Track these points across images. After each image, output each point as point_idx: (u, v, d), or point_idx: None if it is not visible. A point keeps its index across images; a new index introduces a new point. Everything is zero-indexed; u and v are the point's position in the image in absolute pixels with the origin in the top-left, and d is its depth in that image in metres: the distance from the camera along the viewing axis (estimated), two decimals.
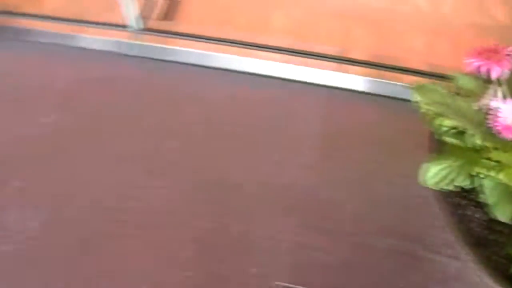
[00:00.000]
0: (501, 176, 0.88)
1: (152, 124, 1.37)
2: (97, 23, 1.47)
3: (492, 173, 0.88)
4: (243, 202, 1.24)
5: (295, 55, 1.41)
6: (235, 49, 1.44)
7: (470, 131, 0.93)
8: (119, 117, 1.39)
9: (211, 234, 1.19)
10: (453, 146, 0.97)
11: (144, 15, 1.45)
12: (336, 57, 1.39)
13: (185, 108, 1.40)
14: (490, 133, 0.90)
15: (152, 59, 1.48)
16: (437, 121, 0.96)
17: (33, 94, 1.41)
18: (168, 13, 1.52)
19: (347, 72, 1.37)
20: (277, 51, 1.42)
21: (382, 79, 1.36)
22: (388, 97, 1.39)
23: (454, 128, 0.97)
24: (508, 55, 0.95)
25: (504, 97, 0.94)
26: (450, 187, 0.91)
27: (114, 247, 1.19)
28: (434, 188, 0.92)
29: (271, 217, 1.21)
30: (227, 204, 1.24)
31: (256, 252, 1.15)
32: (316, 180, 1.26)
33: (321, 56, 1.40)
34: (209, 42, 1.45)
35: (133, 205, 1.24)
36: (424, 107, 0.97)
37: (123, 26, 1.46)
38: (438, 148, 1.00)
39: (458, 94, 1.02)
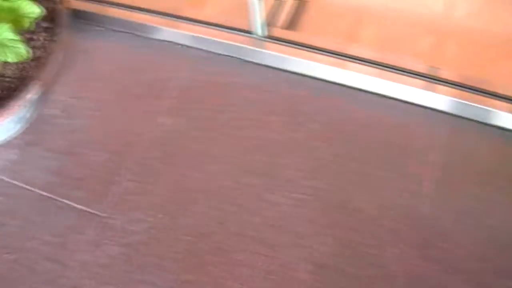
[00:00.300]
0: None
1: (269, 137, 1.33)
2: (221, 26, 1.44)
3: None
4: (364, 227, 1.19)
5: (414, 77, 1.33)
6: (362, 67, 1.38)
7: None
8: (234, 125, 1.36)
9: (329, 257, 1.16)
10: None
11: (268, 23, 1.42)
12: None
13: (304, 123, 1.35)
14: None
15: (273, 68, 1.44)
16: None
17: (152, 92, 1.41)
18: (292, 22, 1.47)
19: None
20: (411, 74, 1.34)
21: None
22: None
23: None
24: None
25: None
26: None
27: (227, 260, 1.18)
28: None
29: (390, 243, 1.17)
30: (347, 227, 1.18)
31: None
32: (433, 210, 1.19)
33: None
34: (334, 57, 1.39)
35: (251, 219, 1.23)
36: None
37: (248, 32, 1.42)
38: None
39: None
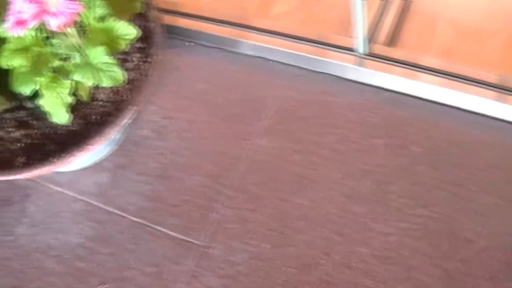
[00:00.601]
0: None
1: (373, 162, 1.24)
2: (318, 43, 1.36)
3: None
4: (474, 259, 1.12)
5: None
6: (472, 88, 1.28)
7: None
8: (336, 148, 1.30)
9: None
10: None
11: (369, 39, 1.33)
12: None
13: (407, 146, 1.26)
14: None
15: (373, 86, 1.35)
16: None
17: (247, 112, 1.34)
18: (393, 38, 1.38)
19: None
20: None
21: None
22: None
23: None
24: None
25: None
26: None
27: None
28: None
29: (505, 278, 1.10)
30: (457, 258, 1.11)
31: None
32: None
33: None
34: (438, 75, 1.29)
35: (357, 249, 1.16)
36: None
37: (347, 49, 1.34)
38: None
39: None
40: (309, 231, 1.17)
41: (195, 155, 1.28)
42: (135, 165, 1.28)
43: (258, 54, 1.40)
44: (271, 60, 1.39)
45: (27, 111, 1.19)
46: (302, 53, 1.36)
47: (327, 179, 1.22)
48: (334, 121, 1.29)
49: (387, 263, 1.12)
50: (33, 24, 1.02)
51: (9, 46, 1.15)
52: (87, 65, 1.09)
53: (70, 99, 1.11)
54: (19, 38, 1.14)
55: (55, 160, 1.10)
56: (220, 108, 1.33)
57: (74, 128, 1.14)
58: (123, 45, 1.11)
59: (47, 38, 1.10)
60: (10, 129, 1.17)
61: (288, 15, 1.46)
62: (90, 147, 1.10)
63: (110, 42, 1.13)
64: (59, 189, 1.29)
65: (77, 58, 1.09)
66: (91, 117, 1.15)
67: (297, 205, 1.20)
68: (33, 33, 1.11)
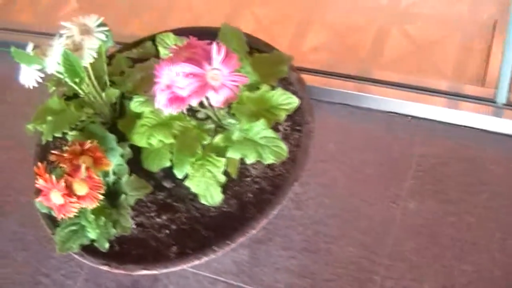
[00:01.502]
0: None
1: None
2: (456, 95, 1.18)
3: None
4: None
5: None
6: None
7: None
8: (489, 206, 1.14)
9: None
10: None
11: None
12: None
13: None
14: None
15: None
16: None
17: (386, 173, 1.19)
18: None
19: None
20: None
21: None
22: None
23: None
24: None
25: None
26: None
27: None
28: None
29: None
30: None
31: None
32: None
33: None
34: None
35: None
36: None
37: (487, 100, 1.17)
38: None
39: None
40: None
41: (341, 223, 1.09)
42: (275, 239, 1.10)
43: (386, 109, 1.23)
44: (402, 114, 1.21)
45: (167, 192, 1.00)
46: (436, 106, 1.18)
47: (487, 240, 1.04)
48: (481, 177, 1.13)
49: None
50: (193, 101, 0.83)
51: (145, 121, 0.96)
52: (247, 141, 0.90)
53: (223, 178, 0.92)
54: (154, 112, 0.95)
55: (215, 248, 0.90)
56: (357, 170, 1.15)
57: (227, 210, 0.95)
58: (282, 116, 0.94)
59: (188, 110, 0.96)
60: (151, 214, 0.98)
61: (401, 62, 1.28)
62: (252, 230, 0.91)
63: (265, 112, 0.95)
64: (193, 270, 1.09)
65: (235, 133, 0.90)
66: (244, 196, 0.97)
67: (461, 271, 1.01)
68: None
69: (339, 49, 1.39)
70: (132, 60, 1.15)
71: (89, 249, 0.99)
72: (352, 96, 1.28)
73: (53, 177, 0.91)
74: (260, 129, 0.94)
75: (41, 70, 1.02)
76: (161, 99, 0.90)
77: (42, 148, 1.14)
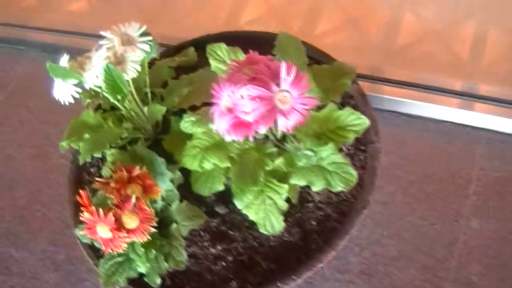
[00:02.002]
0: None
1: None
2: None
3: None
4: None
5: None
6: None
7: None
8: None
9: None
10: None
11: None
12: None
13: None
14: None
15: None
16: None
17: (447, 189, 1.06)
18: None
19: None
20: None
21: None
22: None
23: None
24: None
25: None
26: None
27: None
28: None
29: None
30: None
31: None
32: None
33: None
34: None
35: None
36: None
37: None
38: None
39: None
40: None
41: (400, 244, 0.99)
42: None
43: (442, 118, 1.10)
44: (460, 124, 1.09)
45: (220, 218, 0.89)
46: (497, 116, 1.06)
47: None
48: None
49: None
50: (261, 129, 0.71)
51: (197, 143, 0.84)
52: (313, 167, 0.79)
53: (285, 206, 0.81)
54: (207, 132, 0.83)
55: (279, 283, 0.79)
56: (415, 185, 1.05)
57: (288, 239, 0.84)
58: (351, 138, 0.82)
59: None
60: (205, 244, 0.87)
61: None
62: (319, 264, 0.80)
63: (330, 134, 0.83)
64: None
65: (300, 159, 0.78)
66: (307, 224, 0.86)
67: None
68: None
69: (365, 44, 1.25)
70: (173, 69, 1.02)
71: (137, 283, 0.87)
72: (403, 104, 1.16)
73: (100, 210, 0.79)
74: (328, 154, 0.82)
75: (77, 85, 0.89)
76: (222, 125, 0.77)
77: (77, 167, 1.02)
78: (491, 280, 1.00)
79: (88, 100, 1.00)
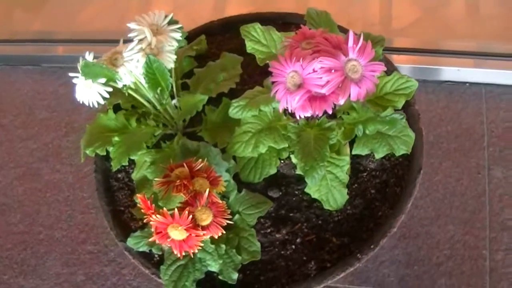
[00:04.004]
0: None
1: None
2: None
3: None
4: None
5: None
6: None
7: None
8: None
9: None
10: None
11: None
12: None
13: None
14: None
15: None
16: None
17: (465, 143, 1.14)
18: None
19: None
20: None
21: None
22: None
23: None
24: None
25: None
26: None
27: None
28: None
29: None
30: None
31: None
32: None
33: None
34: None
35: None
36: None
37: None
38: None
39: None
40: None
41: (434, 204, 1.03)
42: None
43: (442, 78, 1.15)
44: (459, 82, 1.15)
45: (276, 203, 0.87)
46: (496, 70, 1.12)
47: None
48: None
49: None
50: (340, 100, 0.71)
51: (247, 127, 0.82)
52: (376, 134, 0.80)
53: (347, 178, 0.81)
54: (258, 116, 0.82)
55: (359, 255, 0.79)
56: (435, 145, 1.08)
57: (352, 211, 0.84)
58: (402, 101, 0.83)
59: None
60: (268, 231, 0.85)
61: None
62: (392, 229, 0.81)
63: (380, 100, 0.84)
64: None
65: (358, 127, 0.79)
66: (367, 193, 0.86)
67: None
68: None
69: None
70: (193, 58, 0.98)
71: (204, 285, 0.83)
72: (405, 68, 1.19)
73: (175, 210, 0.74)
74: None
75: (106, 84, 0.83)
76: (293, 102, 0.75)
77: (104, 175, 0.95)
78: None
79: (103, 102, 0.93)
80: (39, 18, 1.46)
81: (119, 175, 0.96)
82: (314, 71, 0.74)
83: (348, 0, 1.32)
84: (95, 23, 1.40)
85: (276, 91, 0.77)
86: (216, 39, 1.06)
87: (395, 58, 1.18)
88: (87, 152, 0.90)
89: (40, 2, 1.50)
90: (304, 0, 1.38)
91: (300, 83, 0.76)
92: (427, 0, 1.29)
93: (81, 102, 0.83)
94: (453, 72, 1.18)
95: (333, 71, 0.74)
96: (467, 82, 1.18)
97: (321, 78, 0.74)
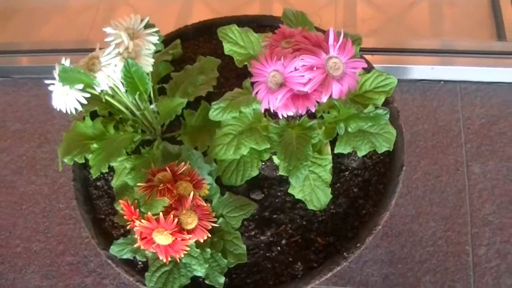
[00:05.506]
0: None
1: None
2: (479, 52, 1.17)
3: None
4: None
5: None
6: None
7: None
8: None
9: None
10: None
11: None
12: None
13: None
14: None
15: None
16: None
17: (442, 140, 1.15)
18: None
19: None
20: None
21: None
22: None
23: None
24: None
25: None
26: None
27: None
28: None
29: None
30: None
31: None
32: None
33: None
34: None
35: None
36: None
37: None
38: None
39: None
40: None
41: (414, 202, 1.04)
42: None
43: (416, 77, 1.16)
44: (434, 80, 1.16)
45: (258, 205, 0.87)
46: (465, 66, 1.14)
47: None
48: None
49: None
50: (323, 98, 0.71)
51: (228, 130, 0.82)
52: (358, 132, 0.80)
53: (330, 177, 0.82)
54: (238, 117, 0.82)
55: (345, 254, 0.80)
56: (413, 144, 1.09)
57: (335, 210, 0.84)
58: (382, 99, 0.84)
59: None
60: (252, 233, 0.84)
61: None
62: (377, 227, 0.82)
63: (359, 98, 0.85)
64: None
65: (339, 125, 0.80)
66: (350, 192, 0.86)
67: None
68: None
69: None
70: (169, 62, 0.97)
71: None
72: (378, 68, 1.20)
73: (161, 214, 0.73)
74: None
75: (83, 90, 0.82)
76: (275, 101, 0.75)
77: (82, 184, 0.93)
78: (506, 217, 1.06)
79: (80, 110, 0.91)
80: (5, 30, 1.43)
81: (98, 183, 0.94)
82: (295, 69, 0.74)
83: (315, 5, 1.33)
84: (62, 34, 1.39)
85: (257, 91, 0.77)
86: (191, 43, 1.05)
87: (368, 58, 1.18)
88: (66, 160, 0.88)
89: (7, 14, 1.48)
90: (268, 9, 1.39)
91: (282, 82, 0.75)
92: (392, 4, 1.30)
93: (58, 110, 0.81)
94: (427, 70, 1.19)
95: (315, 68, 0.73)
96: (441, 80, 1.20)
97: (303, 76, 0.73)
